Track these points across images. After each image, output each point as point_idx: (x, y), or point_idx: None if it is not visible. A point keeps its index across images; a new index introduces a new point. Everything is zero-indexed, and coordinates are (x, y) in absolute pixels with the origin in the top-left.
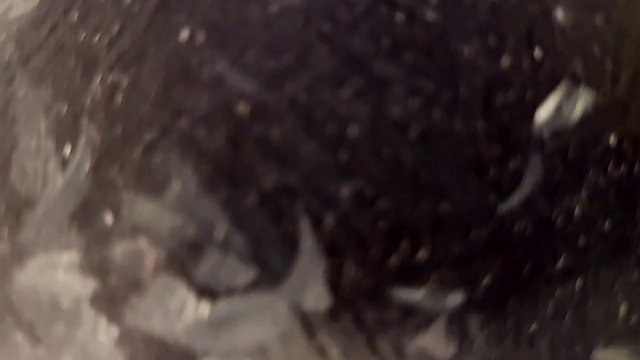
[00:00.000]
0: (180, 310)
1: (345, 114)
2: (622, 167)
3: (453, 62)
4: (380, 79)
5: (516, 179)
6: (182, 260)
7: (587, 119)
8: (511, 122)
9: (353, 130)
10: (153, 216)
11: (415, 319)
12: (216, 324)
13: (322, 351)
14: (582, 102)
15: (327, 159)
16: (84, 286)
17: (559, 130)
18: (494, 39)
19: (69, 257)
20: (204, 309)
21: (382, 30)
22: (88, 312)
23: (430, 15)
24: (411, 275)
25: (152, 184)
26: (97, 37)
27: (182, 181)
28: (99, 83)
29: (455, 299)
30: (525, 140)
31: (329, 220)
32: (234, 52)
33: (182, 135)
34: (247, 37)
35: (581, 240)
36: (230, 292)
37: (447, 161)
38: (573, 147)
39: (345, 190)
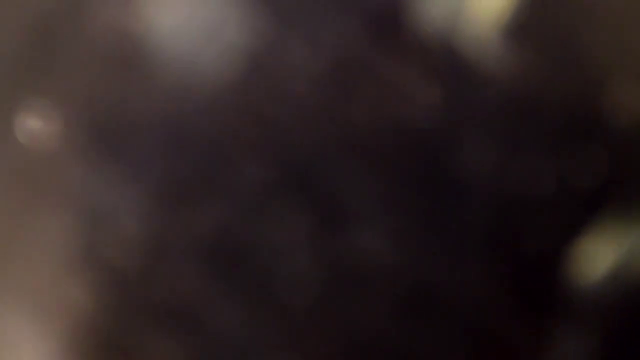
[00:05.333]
0: None
1: (283, 261)
2: None
3: (450, 181)
4: (338, 203)
5: None
6: None
7: None
8: (538, 277)
9: (294, 285)
10: None
11: None
12: None
13: None
14: None
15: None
16: None
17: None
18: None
19: None
20: None
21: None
22: None
23: (420, 112)
24: None
25: None
26: None
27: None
28: None
29: None
30: (561, 307)
31: None
32: (112, 158)
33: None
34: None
35: None
36: None
37: (431, 334)
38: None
39: None
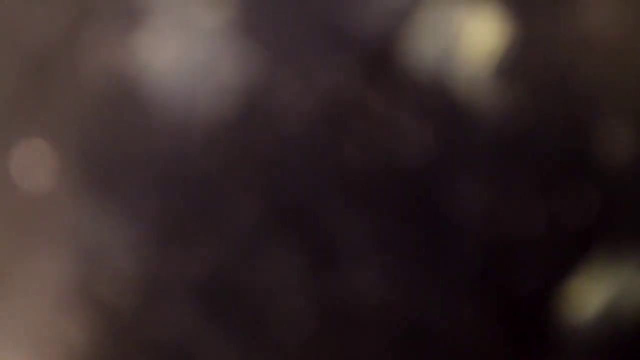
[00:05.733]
0: None
1: (277, 300)
2: None
3: (442, 220)
4: (331, 242)
5: None
6: None
7: None
8: (529, 315)
9: (288, 324)
10: None
11: None
12: None
13: None
14: None
15: None
16: None
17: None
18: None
19: None
20: None
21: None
22: None
23: (412, 151)
24: None
25: None
26: None
27: None
28: None
29: None
30: (552, 345)
31: None
32: (107, 196)
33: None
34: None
35: None
36: None
37: None
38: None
39: None
